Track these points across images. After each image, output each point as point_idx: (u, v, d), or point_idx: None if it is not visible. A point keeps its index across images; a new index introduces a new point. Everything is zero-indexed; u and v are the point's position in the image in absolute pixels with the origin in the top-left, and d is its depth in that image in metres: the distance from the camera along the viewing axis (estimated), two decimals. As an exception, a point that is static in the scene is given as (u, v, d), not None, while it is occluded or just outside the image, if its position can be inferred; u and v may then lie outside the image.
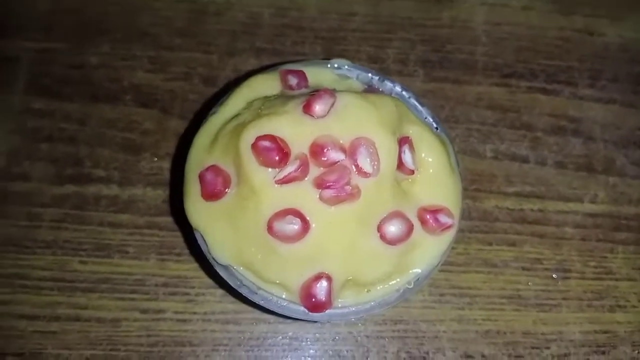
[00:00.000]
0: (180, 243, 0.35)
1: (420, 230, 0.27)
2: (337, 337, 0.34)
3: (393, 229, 0.26)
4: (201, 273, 0.34)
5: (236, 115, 0.28)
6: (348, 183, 0.25)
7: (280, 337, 0.33)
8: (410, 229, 0.27)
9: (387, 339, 0.34)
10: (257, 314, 0.34)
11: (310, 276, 0.26)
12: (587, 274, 0.36)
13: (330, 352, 0.33)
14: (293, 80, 0.29)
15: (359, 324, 0.34)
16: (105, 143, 0.37)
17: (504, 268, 0.36)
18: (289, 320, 0.34)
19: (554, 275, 0.36)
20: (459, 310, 0.35)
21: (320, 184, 0.25)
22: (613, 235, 0.37)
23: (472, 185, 0.37)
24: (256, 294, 0.27)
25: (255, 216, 0.26)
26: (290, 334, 0.33)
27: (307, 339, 0.33)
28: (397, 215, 0.27)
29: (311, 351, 0.33)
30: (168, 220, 0.35)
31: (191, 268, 0.34)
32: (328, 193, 0.25)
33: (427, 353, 0.34)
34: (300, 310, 0.27)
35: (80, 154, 0.36)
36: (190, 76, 0.39)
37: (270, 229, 0.25)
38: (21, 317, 0.33)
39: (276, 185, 0.25)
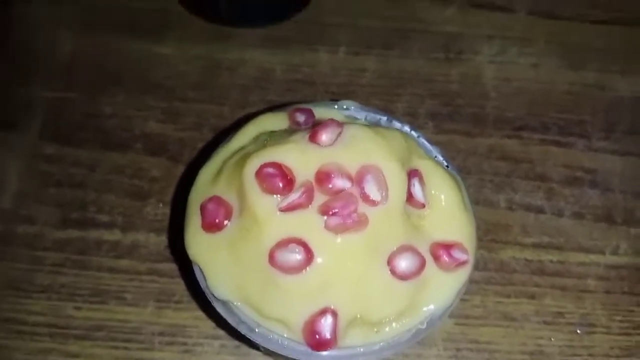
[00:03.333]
0: (180, 290, 0.33)
1: (433, 266, 0.26)
2: (344, 394, 0.31)
3: (404, 263, 0.25)
4: (200, 322, 0.33)
5: (242, 148, 0.28)
6: (355, 211, 0.24)
7: (283, 391, 0.31)
8: (422, 264, 0.25)
9: (399, 397, 0.31)
10: (258, 366, 0.32)
11: (314, 311, 0.24)
12: (613, 328, 0.34)
13: (337, 411, 0.31)
14: (301, 118, 0.29)
15: (369, 379, 0.31)
16: (113, 189, 0.36)
17: (524, 322, 0.33)
18: (292, 374, 0.31)
19: (578, 331, 0.33)
20: (477, 367, 0.32)
21: (325, 211, 0.24)
22: (639, 287, 0.35)
23: (487, 236, 0.36)
24: (255, 331, 0.25)
25: (256, 246, 0.24)
26: (293, 388, 0.31)
27: (311, 394, 0.31)
28: (409, 249, 0.25)
29: (316, 408, 0.31)
30: (169, 266, 0.34)
31: (190, 317, 0.33)
32: (334, 221, 0.24)
33: (444, 413, 0.31)
34: (302, 349, 0.25)
35: (87, 199, 0.36)
36: (200, 126, 0.39)
37: (272, 259, 0.24)
38: (10, 364, 0.31)
39: (279, 214, 0.24)
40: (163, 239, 0.35)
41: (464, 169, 0.38)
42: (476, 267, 0.34)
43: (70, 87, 0.40)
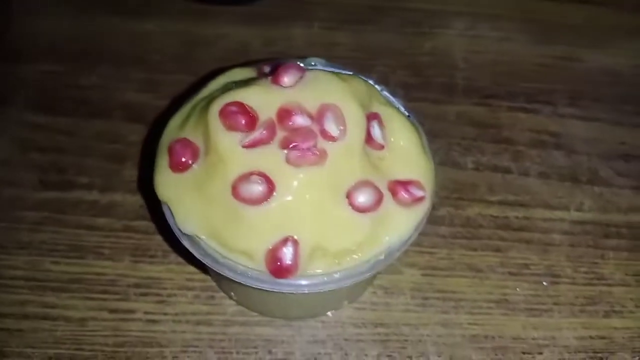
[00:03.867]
0: (154, 245, 0.34)
1: (391, 201, 0.27)
2: (313, 340, 0.32)
3: (363, 196, 0.26)
4: (174, 275, 0.33)
5: (209, 95, 0.29)
6: (315, 145, 0.25)
7: (254, 338, 0.32)
8: (380, 198, 0.26)
9: (367, 343, 0.32)
10: (229, 315, 0.32)
11: (276, 241, 0.25)
12: (578, 279, 0.34)
13: (307, 355, 0.31)
14: (267, 69, 0.31)
15: (338, 326, 0.32)
16: (92, 153, 0.38)
17: (489, 273, 0.34)
18: (263, 322, 0.32)
19: (543, 282, 0.34)
20: (443, 314, 0.33)
21: (285, 145, 0.25)
22: (603, 242, 0.36)
23: (454, 194, 0.37)
24: (220, 263, 0.26)
25: (221, 182, 0.26)
26: (264, 336, 0.32)
27: (282, 341, 0.32)
28: (367, 184, 0.26)
29: (286, 354, 0.31)
30: (145, 224, 0.35)
31: (164, 270, 0.34)
32: (294, 154, 0.25)
33: (410, 357, 0.31)
34: (266, 278, 0.26)
35: (67, 162, 0.37)
36: (178, 96, 0.40)
37: (235, 191, 0.25)
38: (-12, 314, 0.32)
39: (242, 150, 0.25)
40: (138, 199, 0.36)
41: (432, 133, 0.39)
42: (442, 222, 0.36)
43: (55, 61, 0.42)
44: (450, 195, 0.37)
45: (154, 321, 0.32)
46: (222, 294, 0.33)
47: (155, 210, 0.34)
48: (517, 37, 0.45)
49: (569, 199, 0.37)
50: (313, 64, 0.32)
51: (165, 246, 0.34)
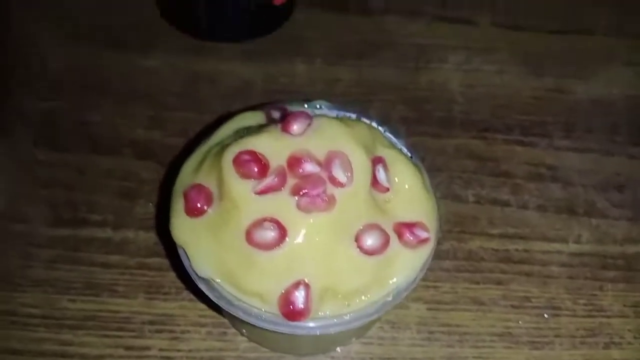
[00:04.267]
0: (168, 282, 0.35)
1: (397, 243, 0.28)
2: (323, 374, 0.33)
3: (370, 239, 0.27)
4: (187, 311, 0.34)
5: (221, 142, 0.30)
6: (324, 192, 0.26)
7: (265, 374, 0.33)
8: (386, 240, 0.27)
9: (374, 376, 0.33)
10: (241, 351, 0.33)
11: (289, 284, 0.26)
12: (577, 311, 0.36)
13: (317, 390, 0.32)
14: (276, 114, 0.32)
15: (346, 361, 0.33)
16: (103, 191, 0.39)
17: (492, 306, 0.35)
18: (274, 358, 0.33)
19: (545, 315, 0.35)
20: (448, 348, 0.34)
21: (296, 192, 0.26)
22: (601, 273, 0.37)
23: (456, 228, 0.38)
24: (234, 305, 0.27)
25: (235, 227, 0.27)
26: (275, 371, 0.33)
27: (292, 376, 0.33)
28: (374, 227, 0.27)
29: (297, 389, 0.32)
30: (158, 261, 0.36)
31: (177, 307, 0.34)
32: (304, 201, 0.26)
33: (417, 391, 0.33)
34: (279, 320, 0.27)
35: (78, 200, 0.38)
36: (186, 133, 0.42)
37: (249, 237, 0.26)
38: (7, 352, 0.32)
39: (255, 196, 0.27)
40: (152, 236, 0.37)
41: (434, 167, 0.41)
42: (446, 256, 0.37)
43: (60, 96, 0.43)
44: (452, 228, 0.38)
45: (168, 358, 0.33)
46: (234, 330, 0.34)
47: (168, 247, 0.36)
48: (510, 70, 0.47)
49: (566, 231, 0.39)
50: (318, 106, 0.34)
51: (178, 283, 0.35)
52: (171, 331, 0.34)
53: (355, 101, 0.44)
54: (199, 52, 0.46)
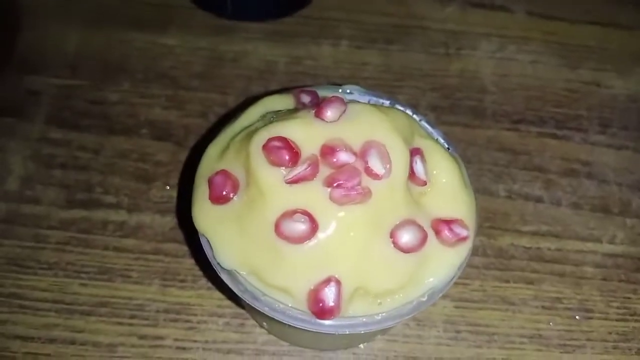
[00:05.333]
0: (184, 270, 0.34)
1: (434, 241, 0.26)
2: (345, 372, 0.31)
3: (407, 236, 0.25)
4: (204, 300, 0.33)
5: (248, 126, 0.29)
6: (359, 183, 0.25)
7: (285, 369, 0.31)
8: (424, 238, 0.26)
9: (399, 376, 0.31)
10: (260, 344, 0.32)
11: (319, 280, 0.25)
12: (610, 314, 0.34)
13: (338, 388, 0.31)
14: (306, 99, 0.30)
15: (370, 359, 0.32)
16: (118, 172, 0.37)
17: (522, 306, 0.34)
18: (293, 352, 0.32)
19: (576, 317, 0.34)
20: (476, 349, 0.33)
21: (330, 183, 0.25)
22: (635, 276, 0.36)
23: (486, 223, 0.37)
24: (260, 300, 0.26)
25: (263, 217, 0.25)
26: (295, 366, 0.31)
27: (313, 372, 0.31)
28: (411, 223, 0.26)
29: (317, 386, 0.31)
30: (174, 247, 0.35)
31: (194, 295, 0.33)
32: (338, 192, 0.25)
33: (443, 393, 0.31)
34: (306, 318, 0.25)
35: (92, 181, 0.37)
36: (205, 114, 0.40)
37: (277, 229, 0.25)
38: (16, 338, 0.31)
39: (285, 185, 0.25)
40: (168, 220, 0.35)
41: (464, 159, 0.38)
42: (475, 252, 0.35)
43: (77, 75, 0.41)
44: (483, 224, 0.36)
45: (183, 348, 0.32)
46: (252, 321, 0.32)
47: (186, 233, 0.34)
48: (545, 60, 0.45)
49: (600, 230, 0.37)
50: (349, 91, 0.32)
51: (196, 270, 0.34)
52: (187, 321, 0.32)
53: (383, 86, 0.42)
54: (221, 32, 0.44)
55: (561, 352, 0.33)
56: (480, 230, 0.36)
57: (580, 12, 0.48)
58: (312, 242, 0.25)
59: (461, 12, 0.47)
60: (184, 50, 0.43)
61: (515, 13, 0.47)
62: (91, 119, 0.39)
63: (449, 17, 0.46)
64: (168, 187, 0.36)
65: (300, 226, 0.24)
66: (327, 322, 0.25)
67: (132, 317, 0.32)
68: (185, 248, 0.34)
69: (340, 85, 0.32)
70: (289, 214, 0.25)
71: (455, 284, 0.34)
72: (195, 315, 0.32)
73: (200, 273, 0.34)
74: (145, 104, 0.40)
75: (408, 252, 0.25)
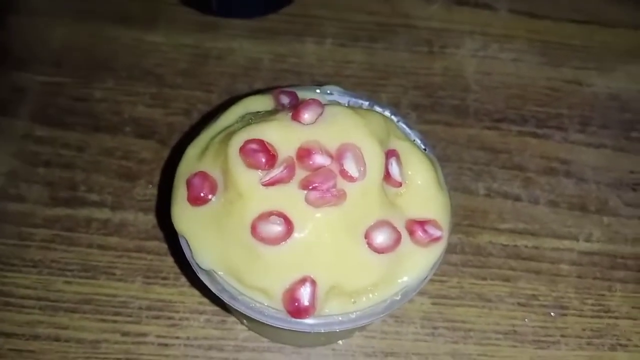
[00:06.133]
0: (167, 267, 0.34)
1: (408, 241, 0.27)
2: (324, 368, 0.32)
3: (381, 237, 0.26)
4: (186, 298, 0.34)
5: (228, 127, 0.29)
6: (334, 186, 0.25)
7: (265, 365, 0.32)
8: (398, 238, 0.26)
9: (376, 372, 0.32)
10: (240, 341, 0.33)
11: (294, 280, 0.25)
12: (585, 311, 0.35)
13: (317, 384, 0.32)
14: (285, 100, 0.30)
15: (349, 355, 0.33)
16: (102, 170, 0.37)
17: (498, 303, 0.35)
18: (273, 348, 0.32)
19: (552, 313, 0.35)
20: (452, 344, 0.33)
21: (305, 186, 0.25)
22: (610, 273, 0.36)
23: (465, 221, 0.37)
24: (237, 299, 0.26)
25: (240, 219, 0.25)
26: (275, 363, 0.32)
27: (292, 368, 0.32)
28: (385, 224, 0.26)
29: (296, 382, 0.32)
30: (157, 244, 0.35)
31: (176, 292, 0.34)
32: (313, 195, 0.25)
33: (419, 387, 0.32)
34: (282, 317, 0.26)
35: (76, 178, 0.37)
36: (189, 112, 0.40)
37: (254, 230, 0.25)
38: (0, 335, 0.32)
39: (262, 188, 0.25)
40: (151, 218, 0.36)
41: (444, 157, 0.39)
42: (453, 250, 0.36)
43: (61, 72, 0.41)
44: (461, 222, 0.37)
45: (166, 345, 0.32)
46: (233, 318, 0.33)
47: (168, 231, 0.35)
48: (528, 59, 0.45)
49: (577, 228, 0.38)
50: (329, 92, 0.32)
51: (178, 268, 0.34)
52: (169, 317, 0.33)
53: (366, 85, 0.43)
54: (206, 29, 0.44)
55: (535, 348, 0.33)
56: (458, 228, 0.37)
57: (564, 10, 0.48)
58: (288, 243, 0.25)
59: (446, 9, 0.47)
60: (169, 48, 0.43)
61: (499, 11, 0.48)
62: (76, 116, 0.40)
63: (433, 15, 0.47)
64: (151, 186, 0.37)
65: (276, 228, 0.25)
66: (302, 320, 0.26)
67: (116, 314, 0.33)
68: (167, 246, 0.35)
69: (321, 85, 0.32)
70: (265, 216, 0.25)
71: (433, 281, 0.35)
72: (178, 312, 0.33)
73: (181, 270, 0.34)
74: (129, 101, 0.40)
75: (382, 253, 0.26)
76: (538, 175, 0.40)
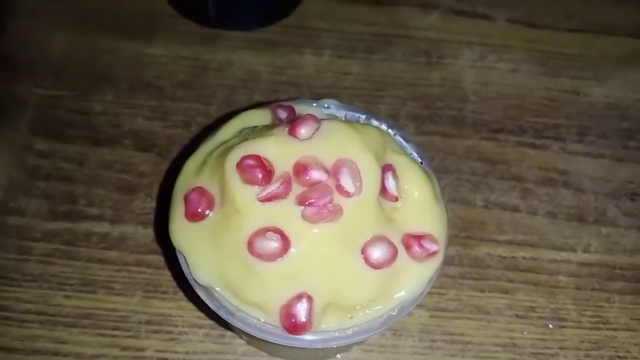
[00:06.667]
0: (166, 281, 0.34)
1: (405, 256, 0.27)
2: (322, 381, 0.32)
3: (377, 252, 0.26)
4: (185, 312, 0.34)
5: (225, 142, 0.29)
6: (330, 202, 0.25)
7: (263, 379, 0.32)
8: (394, 253, 0.26)
9: (375, 385, 0.32)
10: (239, 355, 0.33)
11: (291, 296, 0.25)
12: (583, 323, 0.35)
13: (315, 397, 0.32)
14: (282, 114, 0.31)
15: (346, 368, 0.33)
16: (101, 183, 0.38)
17: (497, 315, 0.35)
18: (272, 363, 0.32)
19: (550, 325, 0.35)
20: (451, 357, 0.33)
21: (302, 201, 0.25)
22: (608, 284, 0.36)
23: (463, 233, 0.37)
24: (235, 315, 0.26)
25: (237, 235, 0.26)
26: (273, 377, 0.32)
27: (291, 382, 0.32)
28: (382, 239, 0.26)
29: (295, 395, 0.32)
30: (156, 258, 0.35)
31: (175, 307, 0.34)
32: (310, 210, 0.25)
33: (417, 401, 0.32)
34: (279, 333, 0.26)
35: (76, 192, 0.37)
36: (188, 124, 0.40)
37: (250, 246, 0.25)
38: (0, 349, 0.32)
39: (258, 204, 0.25)
40: (150, 232, 0.36)
41: (442, 169, 0.39)
42: (451, 262, 0.36)
43: (61, 84, 0.42)
44: (459, 233, 0.37)
45: (165, 359, 0.32)
46: (232, 333, 0.33)
47: (167, 245, 0.35)
48: (525, 69, 0.45)
49: (575, 239, 0.38)
50: (326, 105, 0.32)
51: (176, 282, 0.34)
52: (168, 332, 0.33)
53: (364, 96, 0.43)
54: (205, 41, 0.44)
55: (534, 361, 0.33)
56: (456, 240, 0.37)
57: (562, 19, 0.48)
58: (284, 259, 0.25)
59: (443, 20, 0.47)
60: (168, 60, 0.43)
61: (497, 21, 0.48)
62: (76, 129, 0.40)
63: (431, 25, 0.47)
64: (150, 199, 0.37)
65: (272, 244, 0.25)
66: (299, 336, 0.26)
67: (115, 328, 0.33)
68: (166, 260, 0.35)
69: (319, 98, 0.33)
70: (262, 232, 0.25)
71: (431, 293, 0.35)
72: (176, 326, 0.33)
73: (180, 285, 0.34)
74: (129, 114, 0.41)
75: (379, 268, 0.26)
76: (536, 186, 0.40)
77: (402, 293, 0.27)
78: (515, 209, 0.39)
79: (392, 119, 0.42)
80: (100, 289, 0.34)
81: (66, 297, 0.34)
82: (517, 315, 0.35)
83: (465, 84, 0.44)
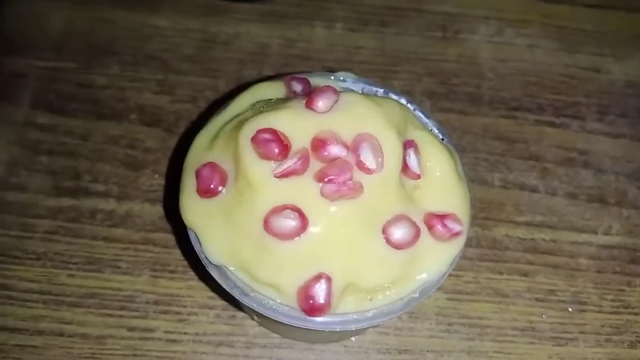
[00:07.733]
0: (174, 260, 0.33)
1: (427, 236, 0.26)
2: (336, 365, 0.31)
3: (399, 232, 0.25)
4: (194, 292, 0.33)
5: (238, 115, 0.28)
6: (350, 178, 0.24)
7: (276, 362, 0.31)
8: (417, 233, 0.25)
9: (390, 369, 0.31)
10: (251, 337, 0.32)
11: (309, 277, 0.24)
12: (604, 307, 0.34)
13: (329, 381, 0.31)
14: (297, 87, 0.29)
15: (362, 352, 0.32)
16: (107, 159, 0.36)
17: (516, 298, 0.34)
18: (284, 344, 0.31)
19: (569, 309, 0.34)
20: (468, 341, 0.32)
21: (320, 178, 0.24)
22: (630, 268, 0.35)
23: (481, 214, 0.36)
24: (248, 296, 0.25)
25: (251, 212, 0.24)
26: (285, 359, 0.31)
27: (304, 365, 0.31)
28: (403, 218, 0.25)
29: (308, 379, 0.31)
30: (164, 236, 0.34)
31: (184, 287, 0.33)
32: (329, 188, 0.24)
33: (434, 385, 0.31)
34: (296, 314, 0.25)
35: (80, 168, 0.36)
36: (195, 99, 0.39)
37: (266, 225, 0.24)
38: (3, 330, 0.31)
39: (275, 179, 0.24)
40: (157, 209, 0.35)
41: (459, 147, 0.38)
42: (469, 244, 0.35)
43: (64, 57, 0.40)
44: (477, 214, 0.36)
45: (173, 341, 0.31)
46: (243, 313, 0.32)
47: (176, 223, 0.34)
48: (543, 45, 0.44)
49: (596, 221, 0.37)
50: (342, 79, 0.31)
51: (185, 261, 0.33)
52: (177, 312, 0.32)
53: (378, 71, 0.41)
54: (213, 13, 0.43)
55: (553, 345, 0.32)
56: (474, 221, 0.36)
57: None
58: (302, 239, 0.24)
59: (459, -7, 0.46)
60: (174, 32, 0.42)
61: (514, -6, 0.46)
62: (78, 103, 0.38)
63: (446, -1, 0.45)
64: (157, 176, 0.36)
65: (290, 222, 0.24)
66: (317, 319, 0.25)
67: (122, 308, 0.32)
68: (174, 238, 0.34)
69: (333, 71, 0.31)
70: (279, 210, 0.24)
71: (449, 275, 0.34)
72: (186, 306, 0.32)
73: (190, 264, 0.33)
74: (134, 87, 0.39)
75: (400, 248, 0.25)
76: (556, 166, 0.38)
77: (424, 275, 0.26)
78: (534, 190, 0.37)
79: (408, 96, 0.40)
80: (106, 268, 0.33)
81: (70, 276, 0.32)
82: (536, 299, 0.34)
83: (482, 59, 0.43)
